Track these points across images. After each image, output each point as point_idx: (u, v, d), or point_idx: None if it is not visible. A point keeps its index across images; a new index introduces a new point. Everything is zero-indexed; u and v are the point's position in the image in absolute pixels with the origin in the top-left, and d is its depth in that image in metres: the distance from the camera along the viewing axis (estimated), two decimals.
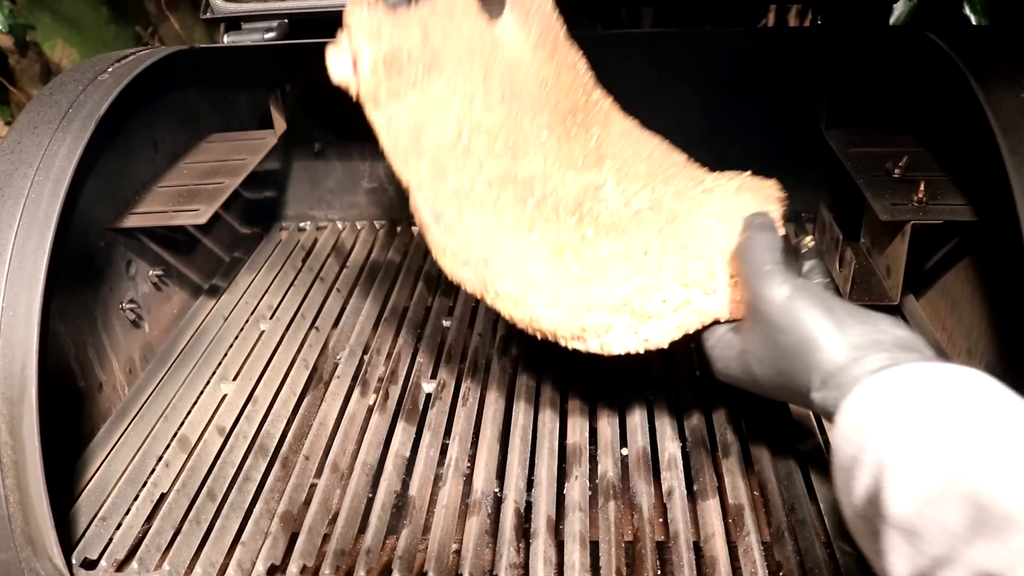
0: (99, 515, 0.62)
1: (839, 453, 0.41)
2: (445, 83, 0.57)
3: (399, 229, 1.04)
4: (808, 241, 0.78)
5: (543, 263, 0.57)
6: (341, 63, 0.56)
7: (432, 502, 0.63)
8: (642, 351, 0.57)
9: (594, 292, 0.56)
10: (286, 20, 0.90)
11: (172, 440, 0.70)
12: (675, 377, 0.73)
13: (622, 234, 0.59)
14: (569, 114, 0.64)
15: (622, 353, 0.57)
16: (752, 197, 0.60)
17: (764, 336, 0.49)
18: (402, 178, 0.57)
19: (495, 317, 0.81)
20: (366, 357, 0.79)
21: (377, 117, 0.56)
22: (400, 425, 0.70)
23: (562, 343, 0.57)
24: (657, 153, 0.66)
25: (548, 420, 0.69)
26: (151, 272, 0.82)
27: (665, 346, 0.56)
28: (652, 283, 0.56)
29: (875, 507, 0.38)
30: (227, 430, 0.71)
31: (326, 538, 0.60)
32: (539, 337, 0.58)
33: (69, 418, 0.68)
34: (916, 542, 0.35)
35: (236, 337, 0.83)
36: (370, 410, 0.73)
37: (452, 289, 0.85)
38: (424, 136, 0.57)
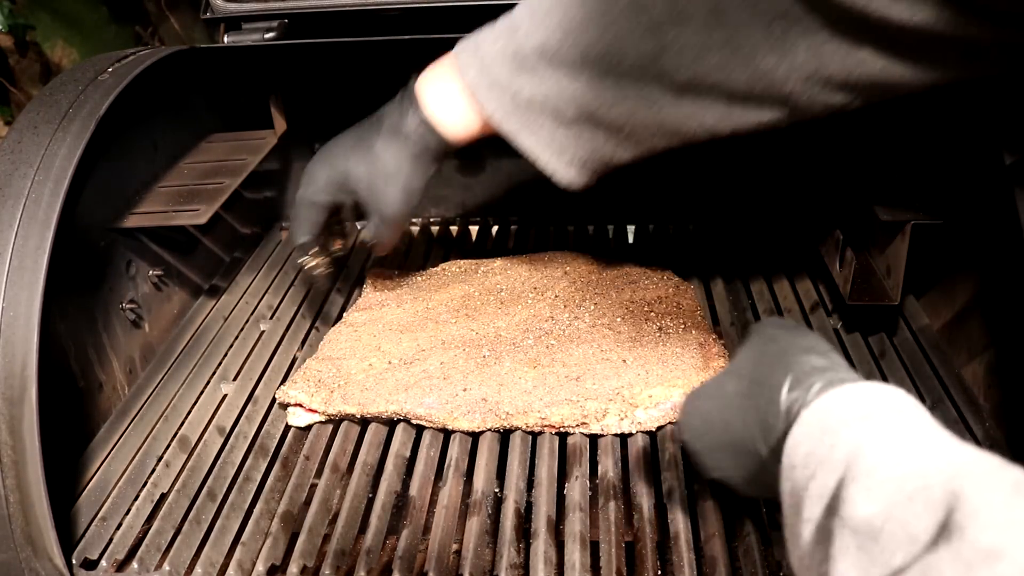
0: (99, 515, 0.62)
1: (798, 450, 0.41)
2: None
3: None
4: None
5: (527, 376, 0.69)
6: (302, 419, 0.71)
7: (432, 502, 0.63)
8: (635, 431, 0.67)
9: (587, 384, 0.67)
10: (286, 20, 0.90)
11: (172, 440, 0.70)
12: None
13: (589, 343, 0.73)
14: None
15: (619, 432, 0.67)
16: (677, 290, 0.79)
17: (752, 349, 0.51)
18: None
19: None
20: None
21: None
22: (400, 425, 0.70)
23: (571, 431, 0.67)
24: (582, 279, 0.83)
25: None
26: (151, 272, 0.82)
27: (653, 429, 0.67)
28: (639, 382, 0.67)
29: (833, 508, 0.36)
30: (227, 430, 0.71)
31: (326, 538, 0.60)
32: (554, 432, 0.67)
33: (69, 418, 0.68)
34: (871, 548, 0.33)
35: (236, 337, 0.83)
36: None
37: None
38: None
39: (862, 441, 0.37)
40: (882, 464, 0.35)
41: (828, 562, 0.35)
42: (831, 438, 0.39)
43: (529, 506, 0.62)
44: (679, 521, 0.58)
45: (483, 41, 0.59)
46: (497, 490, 0.64)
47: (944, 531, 0.31)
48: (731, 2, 0.49)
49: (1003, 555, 0.29)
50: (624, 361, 0.70)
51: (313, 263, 0.74)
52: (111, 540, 0.61)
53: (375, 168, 0.66)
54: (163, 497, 0.65)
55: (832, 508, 0.36)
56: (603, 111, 0.55)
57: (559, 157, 0.60)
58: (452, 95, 0.62)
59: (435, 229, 1.05)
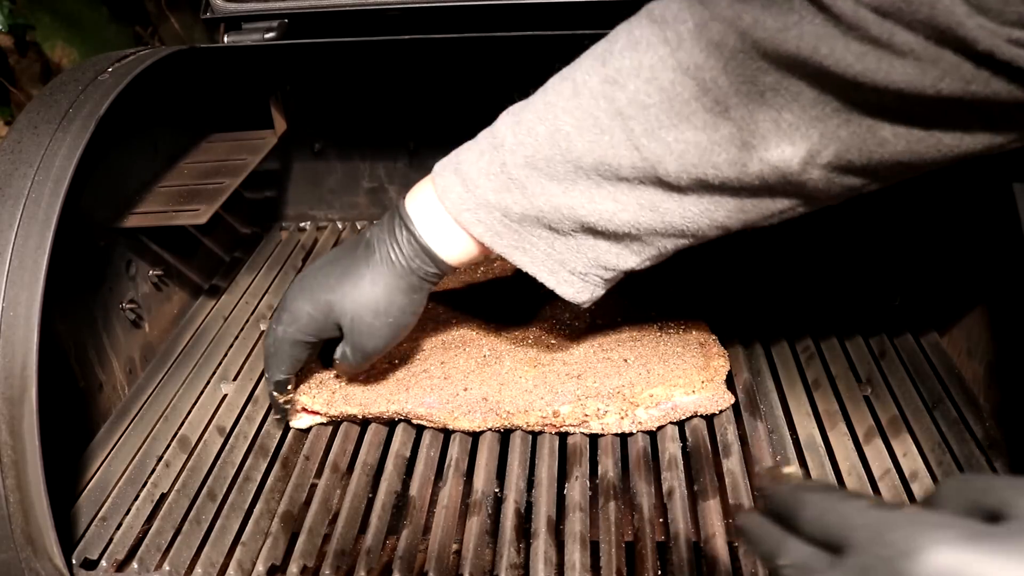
0: (99, 515, 0.62)
1: None
2: None
3: None
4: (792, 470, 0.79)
5: (527, 375, 0.69)
6: (303, 421, 0.70)
7: (432, 502, 0.63)
8: (636, 432, 0.67)
9: (588, 383, 0.68)
10: (286, 20, 0.90)
11: (172, 440, 0.70)
12: None
13: (590, 342, 0.73)
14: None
15: (619, 432, 0.67)
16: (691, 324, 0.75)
17: None
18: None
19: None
20: None
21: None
22: (400, 425, 0.70)
23: (572, 431, 0.67)
24: None
25: None
26: (151, 272, 0.82)
27: (654, 429, 0.67)
28: (640, 380, 0.67)
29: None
30: (227, 430, 0.71)
31: (326, 538, 0.60)
32: (555, 432, 0.67)
33: (69, 418, 0.68)
34: None
35: (236, 337, 0.83)
36: None
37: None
38: None
39: None
40: None
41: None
42: None
43: (529, 506, 0.62)
44: (679, 521, 0.58)
45: (464, 160, 0.55)
46: (497, 490, 0.64)
47: None
48: (735, 96, 0.45)
49: None
50: (625, 360, 0.70)
51: (289, 396, 0.68)
52: (111, 540, 0.61)
53: (364, 302, 0.60)
54: (163, 497, 0.65)
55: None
56: (602, 222, 0.52)
57: (559, 271, 0.56)
58: (442, 218, 0.57)
59: None
